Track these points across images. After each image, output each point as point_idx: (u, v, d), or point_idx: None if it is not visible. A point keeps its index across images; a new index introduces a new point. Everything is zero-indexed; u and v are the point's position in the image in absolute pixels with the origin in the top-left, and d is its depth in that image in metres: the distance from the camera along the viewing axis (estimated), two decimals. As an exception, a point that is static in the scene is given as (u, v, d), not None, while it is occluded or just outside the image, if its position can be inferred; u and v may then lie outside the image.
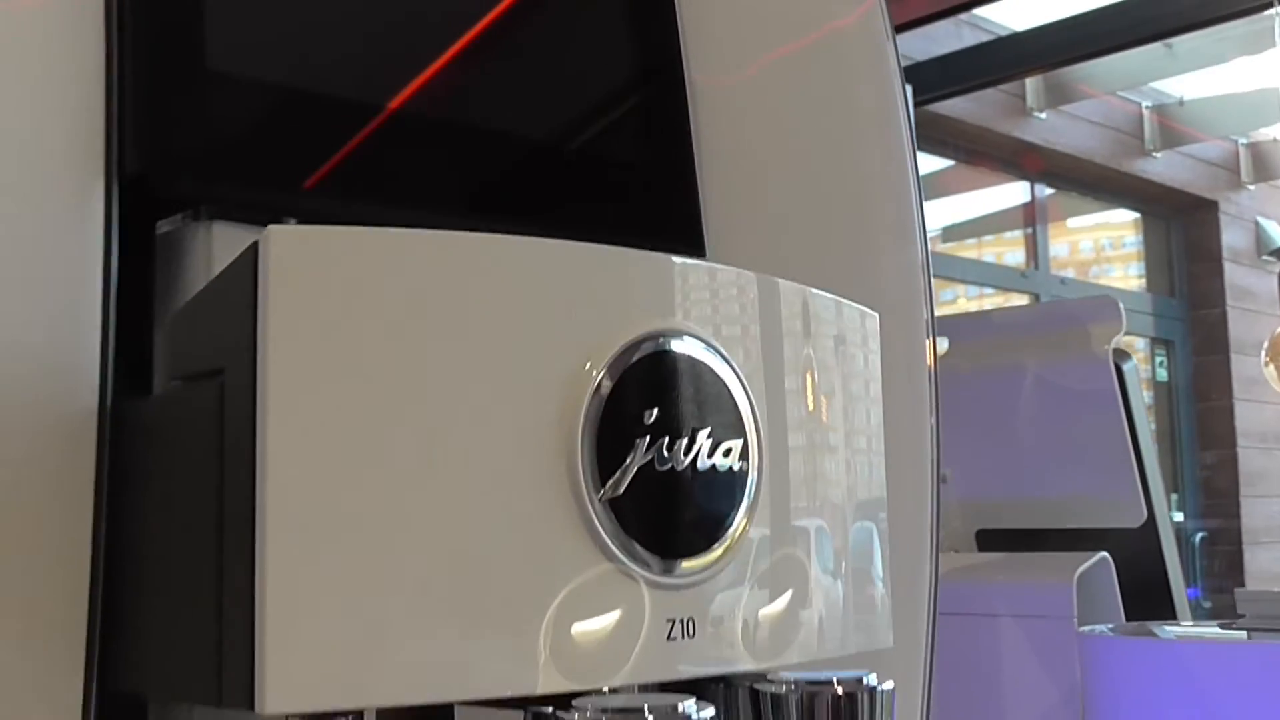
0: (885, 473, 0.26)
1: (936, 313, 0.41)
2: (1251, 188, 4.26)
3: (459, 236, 0.21)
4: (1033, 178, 3.48)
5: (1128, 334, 4.32)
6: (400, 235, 0.20)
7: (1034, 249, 3.57)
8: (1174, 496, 4.63)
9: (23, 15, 0.23)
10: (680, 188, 0.31)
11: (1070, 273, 3.71)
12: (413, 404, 0.20)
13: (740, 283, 0.24)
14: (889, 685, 0.23)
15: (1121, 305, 0.96)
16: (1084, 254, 4.04)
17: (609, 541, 0.21)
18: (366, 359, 0.19)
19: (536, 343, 0.21)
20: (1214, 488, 4.51)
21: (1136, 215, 3.97)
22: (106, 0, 0.23)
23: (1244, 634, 0.78)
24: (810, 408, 0.24)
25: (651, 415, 0.22)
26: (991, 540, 1.05)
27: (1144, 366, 5.00)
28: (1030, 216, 3.55)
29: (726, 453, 0.22)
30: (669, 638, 0.22)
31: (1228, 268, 4.13)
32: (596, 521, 0.21)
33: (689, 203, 0.31)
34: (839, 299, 0.25)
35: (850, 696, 0.22)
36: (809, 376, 0.24)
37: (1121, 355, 0.96)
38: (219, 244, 0.24)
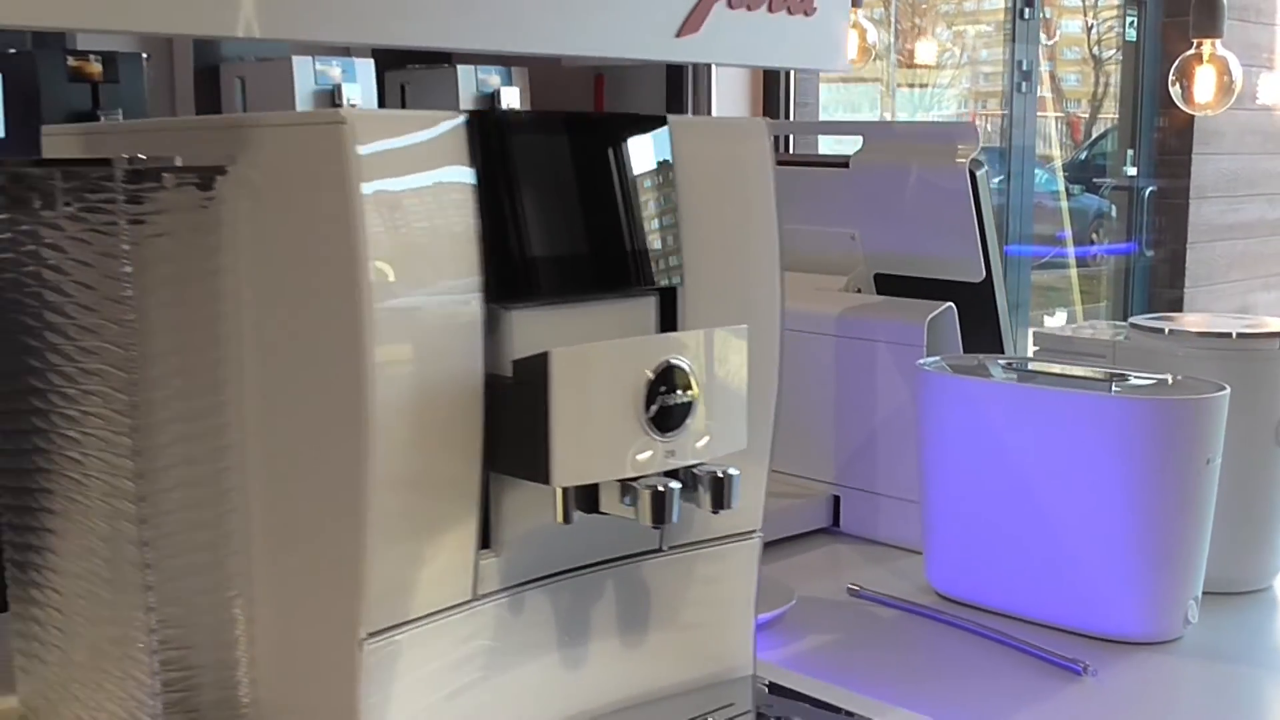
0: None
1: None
2: None
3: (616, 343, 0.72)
4: None
5: (1102, -2, 4.67)
6: (593, 348, 0.71)
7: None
8: (1130, 153, 5.13)
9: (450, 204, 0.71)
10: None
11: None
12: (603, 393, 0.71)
13: (701, 339, 0.75)
14: (737, 472, 0.76)
15: (978, 128, 1.46)
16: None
17: (649, 430, 0.73)
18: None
19: (636, 368, 0.72)
20: (1167, 146, 4.98)
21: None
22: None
23: (1015, 376, 1.32)
24: (721, 373, 0.76)
25: (663, 385, 0.73)
26: (885, 283, 1.58)
27: (1114, 25, 5.38)
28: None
29: (688, 394, 0.73)
30: (666, 457, 0.74)
31: (1202, -68, 4.42)
32: (643, 424, 0.73)
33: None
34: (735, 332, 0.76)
35: (722, 476, 0.75)
36: (733, 361, 0.75)
37: (976, 164, 1.45)
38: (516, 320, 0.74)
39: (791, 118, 3.15)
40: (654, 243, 0.80)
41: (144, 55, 2.75)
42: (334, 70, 2.91)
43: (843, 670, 1.13)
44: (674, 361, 0.74)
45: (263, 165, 0.74)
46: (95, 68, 2.65)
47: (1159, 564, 1.20)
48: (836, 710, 0.90)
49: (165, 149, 0.79)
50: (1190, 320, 1.41)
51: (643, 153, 0.80)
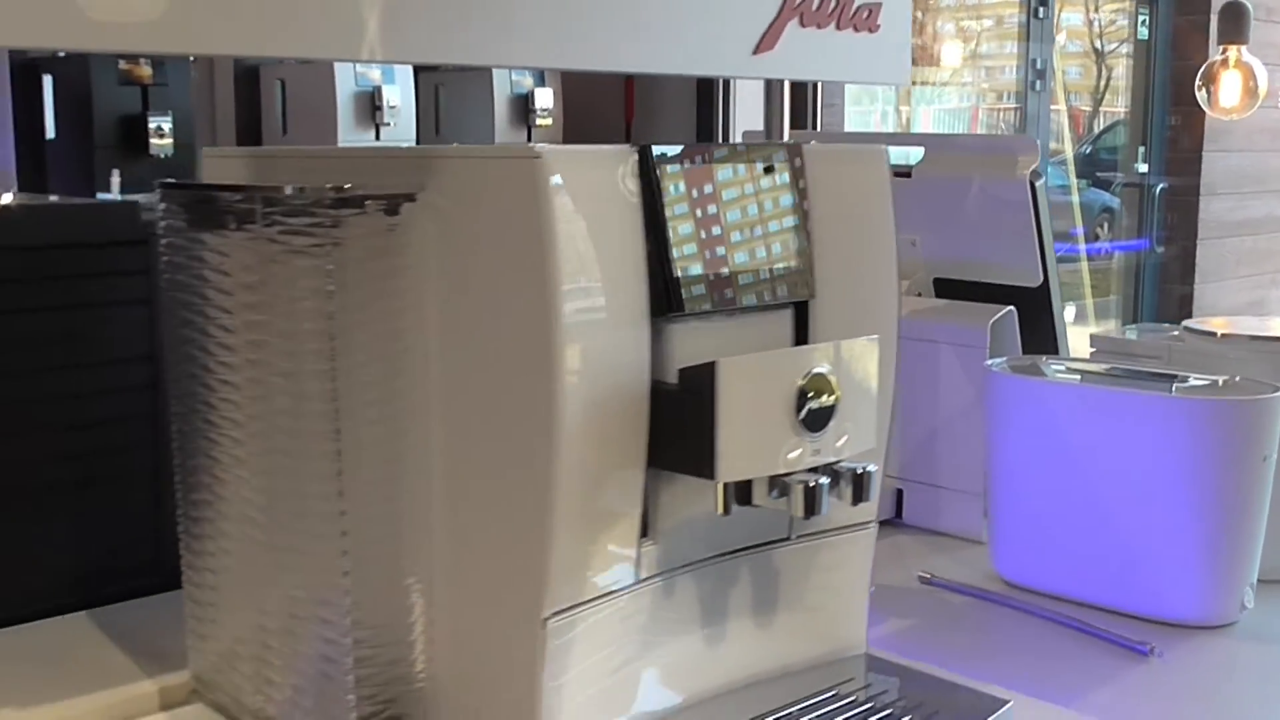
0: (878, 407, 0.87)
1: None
2: None
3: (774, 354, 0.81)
4: None
5: (1112, -3, 4.82)
6: (754, 358, 0.80)
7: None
8: (1141, 149, 5.23)
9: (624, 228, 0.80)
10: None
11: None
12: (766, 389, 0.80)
13: (837, 348, 0.84)
14: (874, 468, 0.85)
15: (1038, 143, 1.55)
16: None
17: (801, 432, 0.82)
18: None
19: (789, 376, 0.81)
20: (1179, 144, 5.07)
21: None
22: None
23: (1079, 377, 1.42)
24: (857, 379, 0.85)
25: (811, 390, 0.82)
26: (943, 287, 1.68)
27: (1117, 19, 5.47)
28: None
29: (832, 399, 0.83)
30: (812, 455, 0.83)
31: (1213, -74, 4.53)
32: (794, 425, 0.82)
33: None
34: (869, 342, 0.86)
35: (862, 472, 0.85)
36: (865, 369, 0.85)
37: (1035, 175, 1.55)
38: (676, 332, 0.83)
39: (819, 116, 3.25)
40: (791, 262, 0.90)
41: (190, 58, 2.84)
42: (374, 73, 2.99)
43: (923, 652, 1.22)
44: (820, 369, 0.84)
45: (452, 193, 0.83)
46: (145, 71, 2.73)
47: (1218, 553, 1.29)
48: (948, 684, 0.99)
49: (331, 176, 0.89)
50: (1242, 324, 1.51)
51: (782, 180, 0.89)
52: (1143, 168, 5.12)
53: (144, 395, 1.27)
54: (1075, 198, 5.39)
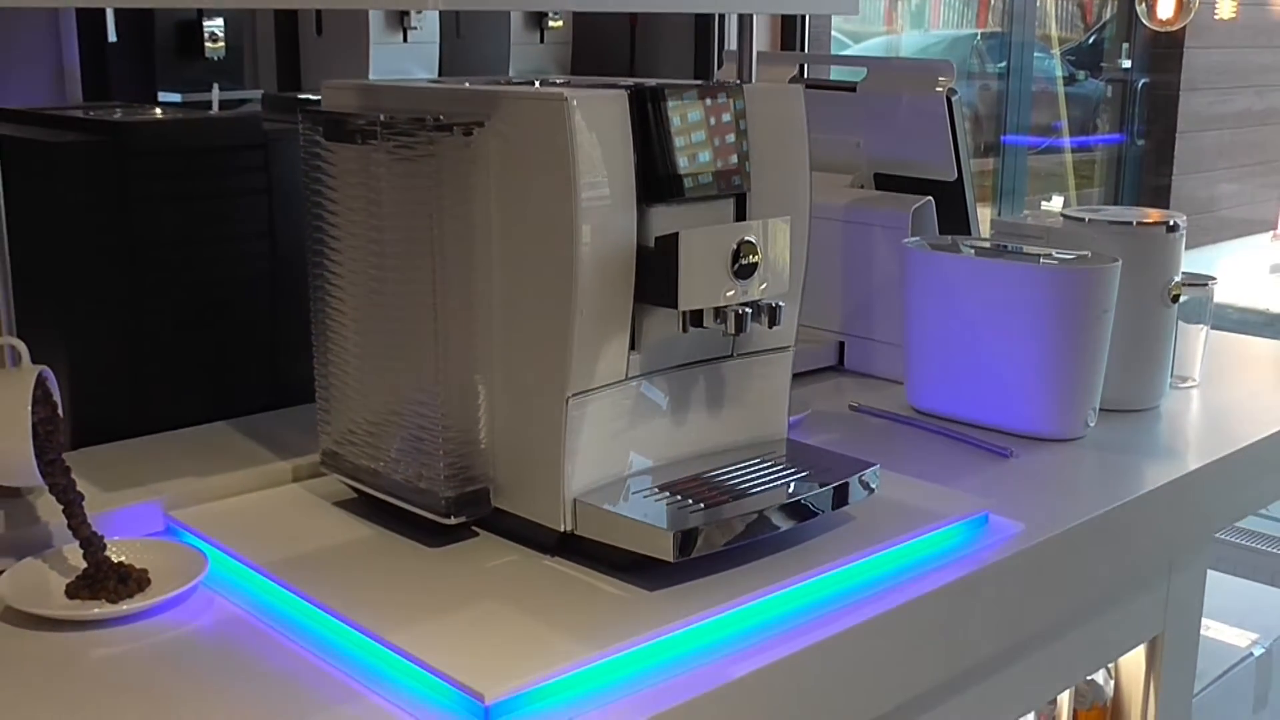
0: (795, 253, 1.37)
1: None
2: None
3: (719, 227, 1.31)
4: None
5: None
6: (703, 230, 1.29)
7: None
8: (1125, 46, 5.66)
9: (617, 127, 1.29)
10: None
11: None
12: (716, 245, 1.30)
13: (761, 225, 1.33)
14: (785, 304, 1.35)
15: (954, 65, 2.04)
16: None
17: (734, 279, 1.31)
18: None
19: (726, 242, 1.31)
20: (1160, 39, 5.51)
21: None
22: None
23: (974, 251, 1.91)
24: (774, 244, 1.35)
25: (742, 252, 1.31)
26: (882, 180, 2.17)
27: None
28: None
29: (755, 258, 1.31)
30: (742, 294, 1.33)
31: None
32: (729, 274, 1.31)
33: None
34: (783, 220, 1.35)
35: (775, 305, 1.35)
36: (781, 239, 1.34)
37: (952, 92, 2.03)
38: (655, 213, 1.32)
39: (808, 25, 3.70)
40: (734, 165, 1.39)
41: (238, -32, 3.28)
42: (401, -20, 3.43)
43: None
44: (748, 238, 1.34)
45: (509, 121, 1.32)
46: (201, -20, 3.18)
47: (1068, 383, 1.80)
48: (841, 456, 1.50)
49: (427, 105, 1.38)
50: (1108, 212, 2.00)
51: (728, 108, 1.38)
52: (1126, 63, 5.55)
53: (264, 262, 1.77)
54: (1060, 89, 5.83)
